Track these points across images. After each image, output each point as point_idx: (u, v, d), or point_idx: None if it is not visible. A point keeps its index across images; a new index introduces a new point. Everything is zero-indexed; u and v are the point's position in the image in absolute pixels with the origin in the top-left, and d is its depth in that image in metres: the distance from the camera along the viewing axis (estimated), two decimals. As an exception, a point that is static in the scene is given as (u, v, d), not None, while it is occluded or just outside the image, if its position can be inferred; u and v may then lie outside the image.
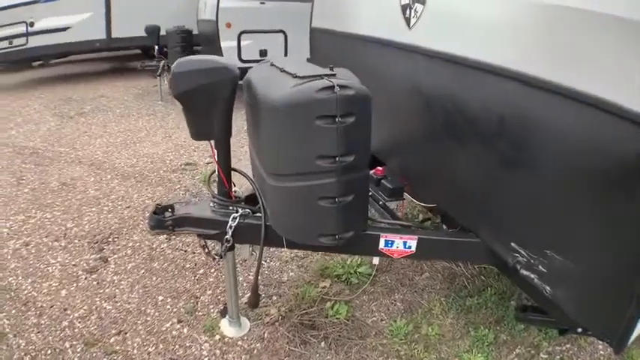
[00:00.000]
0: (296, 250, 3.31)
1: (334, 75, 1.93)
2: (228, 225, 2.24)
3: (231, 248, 2.34)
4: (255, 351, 2.54)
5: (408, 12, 2.39)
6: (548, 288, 1.88)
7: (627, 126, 1.40)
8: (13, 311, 2.82)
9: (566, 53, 1.61)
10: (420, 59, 2.32)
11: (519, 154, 1.86)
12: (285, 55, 6.94)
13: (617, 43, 1.45)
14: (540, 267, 1.87)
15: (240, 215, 2.26)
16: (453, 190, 2.32)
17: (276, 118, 1.93)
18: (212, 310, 2.83)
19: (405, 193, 2.77)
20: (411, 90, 2.44)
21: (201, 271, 3.22)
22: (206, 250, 2.46)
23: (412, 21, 2.36)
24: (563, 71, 1.61)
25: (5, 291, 3.01)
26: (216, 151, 2.27)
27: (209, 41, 7.55)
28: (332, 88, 1.81)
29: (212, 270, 3.20)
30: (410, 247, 2.20)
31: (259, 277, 2.86)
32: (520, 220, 1.96)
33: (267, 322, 2.72)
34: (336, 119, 1.83)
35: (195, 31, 8.08)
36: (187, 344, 2.57)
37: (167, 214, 2.35)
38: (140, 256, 3.39)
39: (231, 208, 2.32)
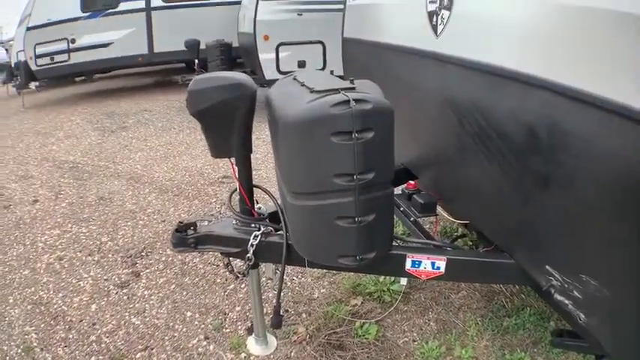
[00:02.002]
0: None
1: (353, 88, 1.84)
2: (250, 243, 2.17)
3: (255, 266, 2.26)
4: None
5: (434, 19, 2.27)
6: (582, 315, 1.74)
7: None
8: (42, 325, 2.85)
9: (608, 62, 1.44)
10: (448, 68, 2.20)
11: (554, 170, 1.71)
12: (324, 65, 6.90)
13: None
14: (575, 292, 1.73)
15: (262, 233, 2.19)
16: (485, 206, 2.18)
17: (291, 135, 1.85)
18: (240, 327, 2.79)
19: (440, 209, 2.63)
20: (440, 101, 2.32)
21: (232, 286, 3.19)
22: (230, 268, 2.41)
23: (439, 28, 2.24)
24: (604, 82, 1.45)
25: (36, 305, 3.05)
26: (236, 169, 2.22)
27: (248, 53, 7.61)
28: (347, 102, 1.71)
29: (242, 285, 3.15)
30: (439, 269, 2.06)
31: (284, 296, 2.80)
32: (555, 241, 1.82)
33: (295, 341, 2.65)
34: (353, 135, 1.73)
35: (235, 44, 8.17)
36: None
37: (190, 231, 2.31)
38: (172, 271, 3.39)
39: (253, 225, 2.26)
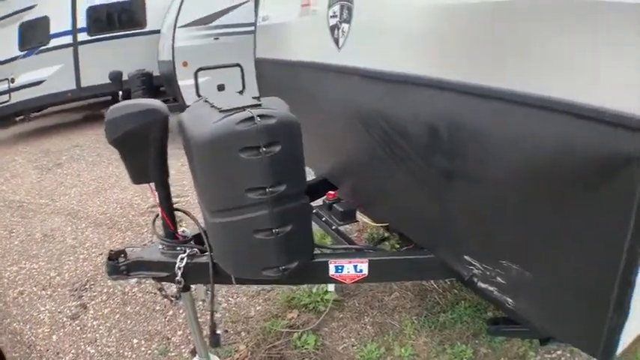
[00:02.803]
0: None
1: (259, 105, 1.89)
2: (177, 266, 2.17)
3: (186, 289, 2.27)
4: None
5: (336, 32, 2.35)
6: (509, 300, 1.80)
7: (590, 128, 1.31)
8: (22, 353, 2.99)
9: (508, 54, 1.52)
10: (352, 79, 2.28)
11: (460, 165, 1.80)
12: (243, 87, 6.94)
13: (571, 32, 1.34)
14: (498, 278, 1.79)
15: (188, 255, 2.19)
16: (400, 207, 2.26)
17: (202, 154, 1.88)
18: (183, 351, 2.81)
19: (361, 215, 2.70)
20: (348, 111, 2.39)
21: (171, 312, 3.21)
22: (163, 293, 2.40)
23: (341, 41, 2.32)
24: (504, 74, 1.53)
25: (13, 335, 3.17)
26: (156, 193, 2.22)
27: (169, 81, 7.61)
28: (252, 118, 1.76)
29: (181, 311, 3.13)
30: (361, 271, 2.12)
31: (222, 317, 2.83)
32: (470, 232, 1.89)
33: (237, 359, 2.66)
34: (260, 150, 1.78)
35: (156, 73, 8.13)
36: None
37: (121, 259, 2.30)
38: (114, 301, 3.44)
39: (178, 248, 2.26)
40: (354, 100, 2.32)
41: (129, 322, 3.17)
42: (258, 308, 3.10)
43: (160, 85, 8.34)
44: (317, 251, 2.18)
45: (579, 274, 1.51)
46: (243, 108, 1.83)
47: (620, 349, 1.53)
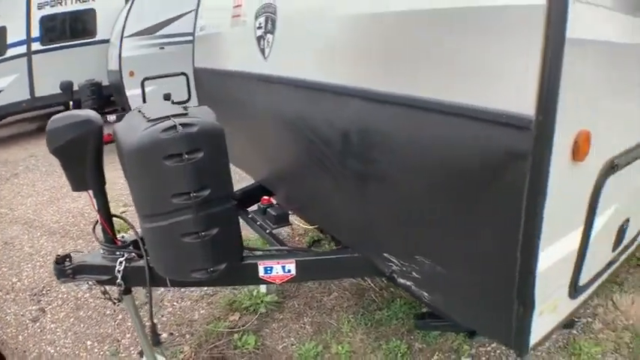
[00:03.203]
0: (205, 288, 3.37)
1: (185, 114, 1.99)
2: (116, 270, 2.24)
3: (128, 292, 2.35)
4: None
5: (262, 43, 2.46)
6: (425, 294, 1.91)
7: (485, 128, 1.42)
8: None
9: (409, 61, 1.66)
10: (277, 88, 2.39)
11: (373, 168, 1.91)
12: (189, 96, 6.95)
13: (453, 36, 1.48)
14: (414, 273, 1.89)
15: (126, 259, 2.26)
16: (326, 209, 2.37)
17: (132, 162, 1.96)
18: (132, 352, 2.89)
19: (296, 218, 2.82)
20: (276, 119, 2.51)
21: (120, 316, 3.27)
22: (107, 296, 2.46)
23: (266, 51, 2.43)
24: (406, 81, 1.66)
25: None
26: (95, 200, 2.29)
27: (117, 91, 7.61)
28: (175, 127, 1.86)
29: (129, 315, 3.19)
30: (290, 271, 2.22)
31: (167, 320, 2.91)
32: (386, 230, 2.00)
33: (182, 359, 2.73)
34: (183, 157, 1.87)
35: (106, 82, 8.11)
36: None
37: (67, 263, 2.36)
38: (69, 306, 3.53)
39: (118, 253, 2.33)
40: (280, 108, 2.44)
41: (82, 325, 3.27)
42: (201, 312, 3.18)
43: (110, 94, 8.31)
44: (247, 253, 2.28)
45: (484, 267, 1.62)
46: (168, 117, 1.93)
47: (533, 340, 1.61)
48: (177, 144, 1.85)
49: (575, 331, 2.79)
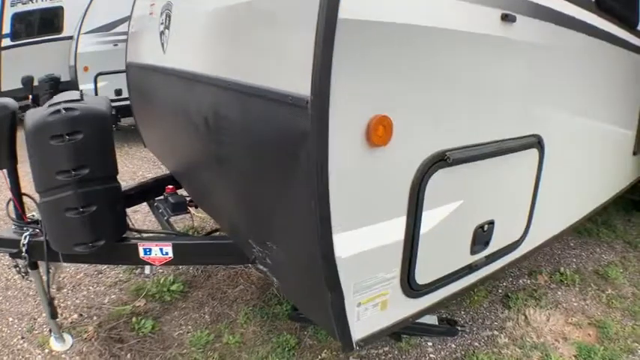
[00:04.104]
0: (120, 275, 3.56)
1: (78, 100, 2.22)
2: (21, 243, 2.42)
3: (34, 267, 2.52)
4: None
5: (162, 38, 2.67)
6: (275, 280, 2.04)
7: (276, 107, 1.53)
8: None
9: (225, 49, 1.87)
10: (171, 80, 2.57)
11: (226, 154, 2.08)
12: None
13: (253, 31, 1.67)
14: (267, 259, 1.99)
15: (30, 234, 2.43)
16: (208, 196, 2.53)
17: (27, 142, 2.15)
18: (45, 329, 3.03)
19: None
20: (172, 110, 2.68)
21: (32, 293, 3.43)
22: (17, 269, 2.65)
23: (165, 45, 2.63)
24: (224, 66, 1.87)
25: None
26: (8, 179, 2.52)
27: (73, 85, 7.76)
28: (59, 111, 2.10)
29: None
30: (167, 254, 2.39)
31: (80, 302, 3.14)
32: (245, 215, 2.14)
33: (85, 338, 2.93)
34: (64, 137, 2.10)
35: (66, 78, 8.29)
36: (27, 356, 2.83)
37: None
38: None
39: (25, 229, 2.53)
40: (173, 99, 2.61)
41: (8, 303, 3.42)
42: (112, 296, 3.34)
43: (68, 89, 8.49)
44: (132, 235, 2.48)
45: (300, 251, 1.69)
46: (60, 103, 2.17)
47: (358, 335, 1.69)
48: (60, 125, 2.07)
49: (477, 343, 2.83)
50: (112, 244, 2.35)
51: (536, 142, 2.24)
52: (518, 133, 2.12)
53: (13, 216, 2.55)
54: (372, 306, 1.69)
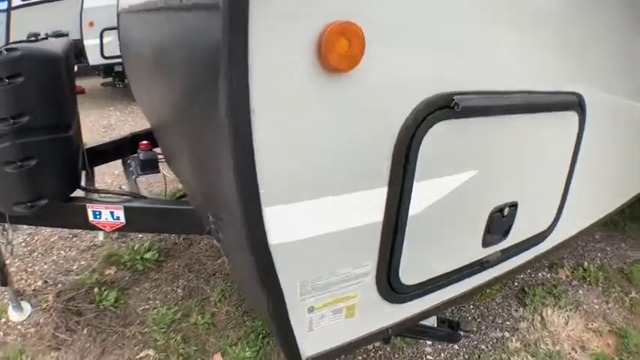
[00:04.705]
0: (96, 239, 3.27)
1: (32, 41, 1.97)
2: None
3: None
4: (29, 335, 2.50)
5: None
6: (226, 259, 1.73)
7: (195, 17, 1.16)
8: None
9: None
10: (139, 19, 2.25)
11: (168, 94, 1.78)
12: None
13: None
14: (219, 232, 1.61)
15: None
16: (170, 151, 2.21)
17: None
18: (4, 297, 2.78)
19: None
20: (139, 53, 2.33)
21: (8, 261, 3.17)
22: None
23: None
24: None
25: None
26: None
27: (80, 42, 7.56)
28: (0, 52, 1.79)
29: (16, 260, 3.13)
30: (118, 219, 2.08)
31: (48, 268, 2.94)
32: (194, 173, 1.77)
33: (44, 308, 2.66)
34: (4, 81, 1.79)
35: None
36: None
37: None
38: None
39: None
40: (139, 40, 2.29)
41: None
42: (82, 262, 3.06)
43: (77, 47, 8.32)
44: (84, 195, 2.18)
45: (231, 226, 1.30)
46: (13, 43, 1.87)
47: (311, 349, 1.31)
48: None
49: (484, 346, 2.47)
50: (58, 205, 2.05)
51: (577, 104, 1.67)
52: (555, 87, 1.58)
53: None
54: (331, 312, 1.29)
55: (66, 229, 3.31)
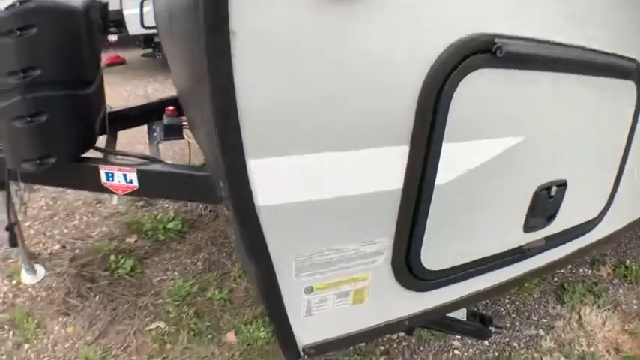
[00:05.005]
0: (120, 207, 3.19)
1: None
2: None
3: (1, 187, 2.19)
4: (39, 298, 2.46)
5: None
6: (234, 236, 1.59)
7: None
8: None
9: None
10: None
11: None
12: None
13: None
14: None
15: None
16: (192, 123, 2.08)
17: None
18: (19, 258, 2.75)
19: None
20: (163, 19, 2.22)
21: (28, 223, 3.13)
22: None
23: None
24: None
25: None
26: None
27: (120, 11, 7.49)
28: (14, 5, 1.69)
29: (29, 224, 3.10)
30: (132, 182, 1.95)
31: (67, 233, 2.86)
32: (205, 135, 1.59)
33: (59, 273, 2.61)
34: (15, 33, 1.70)
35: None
36: None
37: None
38: None
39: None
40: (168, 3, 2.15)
41: None
42: (103, 229, 2.99)
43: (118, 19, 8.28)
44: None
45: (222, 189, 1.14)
46: None
47: (309, 338, 1.13)
48: (12, 19, 1.68)
49: (515, 343, 2.29)
50: (70, 165, 1.96)
51: (636, 72, 1.41)
52: (613, 48, 1.32)
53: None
54: (334, 296, 1.10)
55: (90, 195, 3.26)
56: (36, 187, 3.26)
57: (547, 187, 1.34)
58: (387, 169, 1.01)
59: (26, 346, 2.20)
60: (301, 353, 1.12)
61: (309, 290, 1.06)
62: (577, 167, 1.41)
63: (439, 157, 1.05)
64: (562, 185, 1.37)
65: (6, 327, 2.28)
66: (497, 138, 1.14)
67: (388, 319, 1.25)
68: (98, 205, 3.24)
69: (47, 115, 1.80)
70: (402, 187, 1.05)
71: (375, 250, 1.12)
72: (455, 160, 1.07)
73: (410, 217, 1.10)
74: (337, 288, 1.10)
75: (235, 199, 0.88)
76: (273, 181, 0.88)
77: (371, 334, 1.25)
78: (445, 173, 1.08)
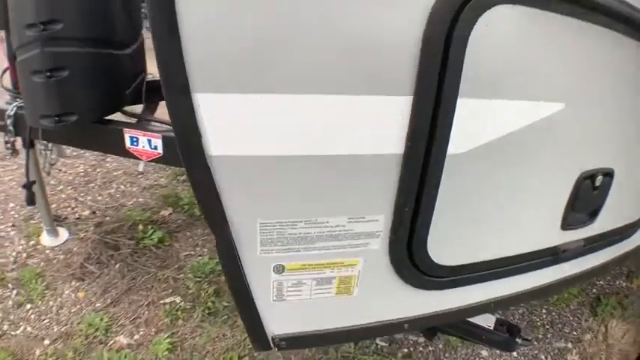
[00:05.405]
0: (162, 179, 3.16)
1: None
2: (7, 114, 2.09)
3: (30, 145, 2.17)
4: (55, 261, 2.43)
5: None
6: None
7: None
8: None
9: None
10: None
11: None
12: None
13: None
14: None
15: (18, 106, 2.06)
16: None
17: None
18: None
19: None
20: None
21: (60, 187, 3.13)
22: (7, 146, 2.36)
23: None
24: None
25: None
26: (6, 44, 2.18)
27: None
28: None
29: (61, 187, 3.10)
30: (156, 148, 1.88)
31: (100, 200, 2.84)
32: None
33: (82, 238, 2.59)
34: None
35: None
36: (6, 244, 2.55)
37: None
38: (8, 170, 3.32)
39: (17, 99, 2.20)
40: None
41: (19, 189, 3.02)
42: (139, 200, 2.96)
43: None
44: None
45: None
46: None
47: (279, 328, 0.96)
48: None
49: (543, 356, 2.15)
50: (93, 126, 1.91)
51: None
52: None
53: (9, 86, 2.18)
54: (313, 281, 0.90)
55: (132, 165, 3.22)
56: (75, 152, 3.30)
57: (591, 175, 1.09)
58: (383, 125, 0.80)
59: (28, 306, 2.18)
60: (271, 344, 0.92)
61: (280, 269, 0.88)
62: (625, 156, 1.15)
63: (453, 114, 0.81)
64: (608, 175, 1.12)
65: (10, 286, 2.27)
66: (531, 101, 0.89)
67: (383, 319, 1.04)
68: (139, 176, 3.21)
69: (68, 71, 1.74)
70: (402, 152, 0.83)
71: (367, 230, 0.91)
72: (475, 123, 0.84)
73: (413, 193, 0.88)
74: (317, 272, 0.91)
75: (183, 146, 0.71)
76: (228, 125, 0.70)
77: (360, 334, 1.04)
78: (461, 139, 0.85)
